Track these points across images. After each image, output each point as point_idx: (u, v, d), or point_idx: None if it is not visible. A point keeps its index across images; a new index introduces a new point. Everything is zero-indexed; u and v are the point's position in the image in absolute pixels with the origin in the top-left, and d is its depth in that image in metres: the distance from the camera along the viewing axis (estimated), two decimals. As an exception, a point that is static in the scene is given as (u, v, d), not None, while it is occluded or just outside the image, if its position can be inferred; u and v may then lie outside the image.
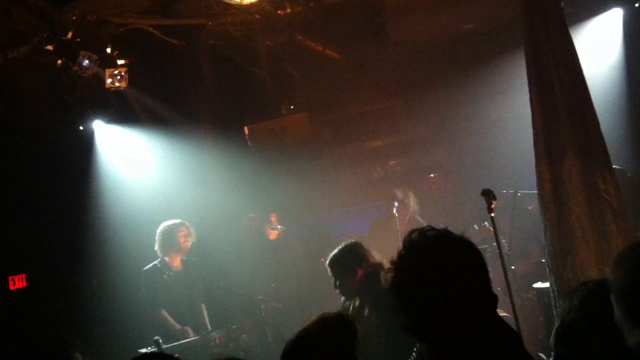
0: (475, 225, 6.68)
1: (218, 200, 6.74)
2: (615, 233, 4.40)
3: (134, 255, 6.09)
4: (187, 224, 5.79)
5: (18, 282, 6.12)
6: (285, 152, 6.76)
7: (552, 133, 4.79)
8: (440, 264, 1.67)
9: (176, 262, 5.77)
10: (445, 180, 8.88)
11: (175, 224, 5.74)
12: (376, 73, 7.07)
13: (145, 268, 5.71)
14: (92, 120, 6.40)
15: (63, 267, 6.18)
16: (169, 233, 5.70)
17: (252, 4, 5.14)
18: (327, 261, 4.21)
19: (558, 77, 4.69)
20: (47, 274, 6.20)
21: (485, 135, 7.63)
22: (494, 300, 1.75)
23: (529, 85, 4.93)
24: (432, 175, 9.36)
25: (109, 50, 5.96)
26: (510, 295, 4.13)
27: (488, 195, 4.17)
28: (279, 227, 6.80)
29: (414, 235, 1.75)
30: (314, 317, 2.46)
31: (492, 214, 4.22)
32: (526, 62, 4.92)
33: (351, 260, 4.12)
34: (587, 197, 4.57)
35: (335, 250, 4.21)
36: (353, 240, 4.31)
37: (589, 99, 4.61)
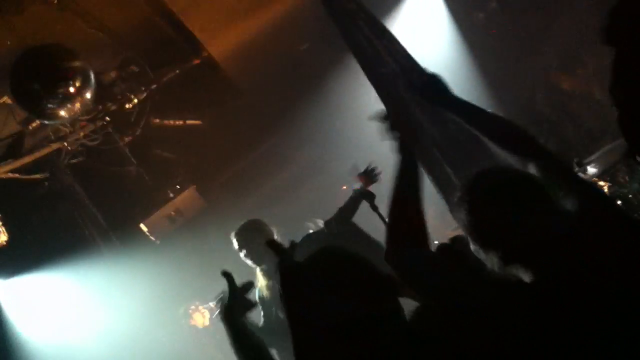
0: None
1: (145, 308, 6.55)
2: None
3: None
4: None
5: None
6: (189, 231, 6.72)
7: (403, 116, 4.98)
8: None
9: None
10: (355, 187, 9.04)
11: None
12: (244, 122, 7.14)
13: None
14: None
15: None
16: None
17: (90, 118, 5.10)
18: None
19: (390, 64, 4.89)
20: None
21: (368, 134, 7.79)
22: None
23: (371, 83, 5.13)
24: (343, 187, 9.55)
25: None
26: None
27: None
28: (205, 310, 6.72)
29: None
30: None
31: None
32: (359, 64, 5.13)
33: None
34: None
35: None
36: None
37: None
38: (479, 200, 1.96)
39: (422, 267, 1.99)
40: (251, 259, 4.72)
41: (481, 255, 1.98)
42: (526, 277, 1.82)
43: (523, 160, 2.18)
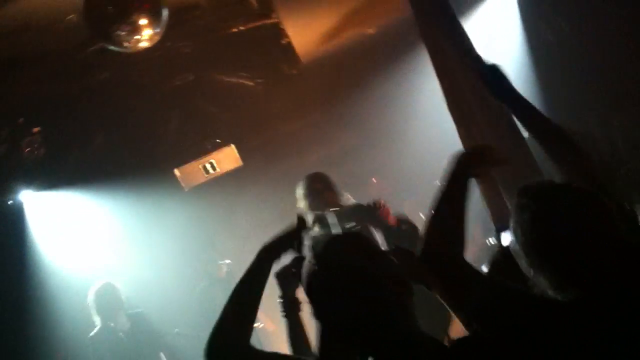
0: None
1: (169, 252, 6.63)
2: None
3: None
4: (112, 282, 5.73)
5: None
6: (221, 186, 6.76)
7: (466, 116, 4.98)
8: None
9: (121, 320, 5.68)
10: (386, 181, 9.05)
11: (103, 285, 5.70)
12: (293, 92, 7.13)
13: (91, 334, 5.54)
14: (19, 191, 6.23)
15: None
16: (102, 295, 5.63)
17: (147, 48, 5.07)
18: None
19: (458, 62, 4.88)
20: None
21: (412, 131, 7.81)
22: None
23: (437, 75, 5.13)
24: (373, 179, 9.55)
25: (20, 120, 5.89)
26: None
27: None
28: (226, 261, 6.76)
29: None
30: None
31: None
32: (429, 55, 5.13)
33: None
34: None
35: None
36: None
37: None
38: (548, 209, 1.86)
39: (461, 275, 1.96)
40: (312, 209, 4.70)
41: (529, 271, 1.90)
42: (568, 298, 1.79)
43: (559, 164, 2.30)
